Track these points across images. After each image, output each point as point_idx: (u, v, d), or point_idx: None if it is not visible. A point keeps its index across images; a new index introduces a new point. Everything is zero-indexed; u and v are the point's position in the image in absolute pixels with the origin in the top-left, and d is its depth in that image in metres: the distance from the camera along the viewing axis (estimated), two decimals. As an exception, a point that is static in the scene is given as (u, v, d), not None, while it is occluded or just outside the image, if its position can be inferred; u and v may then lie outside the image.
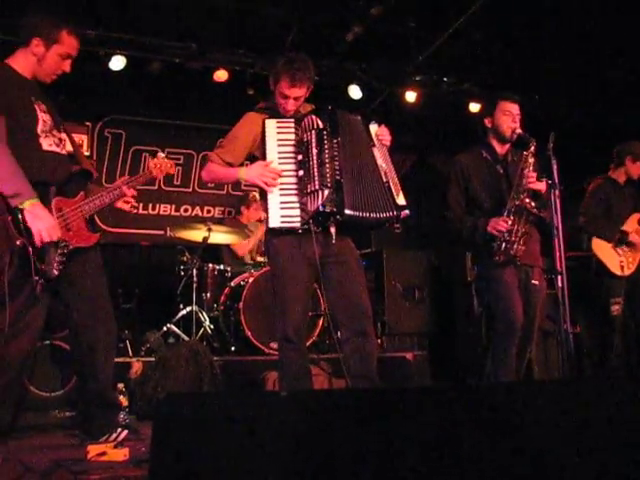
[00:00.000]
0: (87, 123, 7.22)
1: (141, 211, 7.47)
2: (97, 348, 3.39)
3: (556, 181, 3.67)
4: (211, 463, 1.57)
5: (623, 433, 1.88)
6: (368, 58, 6.98)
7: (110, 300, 3.53)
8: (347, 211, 3.26)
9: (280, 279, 3.46)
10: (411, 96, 7.38)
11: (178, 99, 7.24)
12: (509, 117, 4.17)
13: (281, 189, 3.39)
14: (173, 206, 7.70)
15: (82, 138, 7.00)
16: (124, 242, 7.21)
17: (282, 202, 3.36)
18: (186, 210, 7.78)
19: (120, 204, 3.56)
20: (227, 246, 6.54)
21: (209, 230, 5.91)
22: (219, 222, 6.53)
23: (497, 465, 1.75)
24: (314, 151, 3.32)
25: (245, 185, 7.85)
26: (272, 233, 3.46)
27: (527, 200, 3.96)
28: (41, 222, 3.07)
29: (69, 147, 3.48)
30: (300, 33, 6.28)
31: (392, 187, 3.44)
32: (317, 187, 3.26)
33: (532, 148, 4.00)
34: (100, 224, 6.46)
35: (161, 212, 7.64)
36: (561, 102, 7.37)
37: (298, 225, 3.34)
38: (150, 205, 7.55)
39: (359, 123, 3.57)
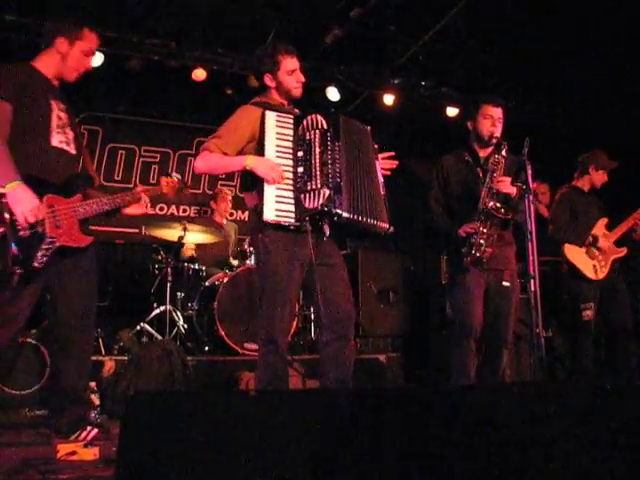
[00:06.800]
0: (63, 119, 7.14)
1: (116, 209, 7.41)
2: (73, 345, 3.39)
3: (530, 186, 3.69)
4: (179, 462, 1.56)
5: (593, 435, 1.91)
6: (347, 60, 7.00)
7: (95, 301, 3.54)
8: (345, 214, 3.24)
9: (271, 280, 3.33)
10: (389, 99, 7.41)
11: (156, 97, 7.21)
12: (489, 121, 4.17)
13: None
14: (148, 205, 7.62)
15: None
16: (99, 240, 7.11)
17: (277, 196, 3.26)
18: (162, 209, 7.74)
19: (130, 210, 3.74)
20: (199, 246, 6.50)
21: (184, 229, 5.89)
22: (194, 221, 6.50)
23: (466, 466, 1.76)
24: (317, 150, 3.28)
25: (222, 183, 7.95)
26: (262, 229, 3.34)
27: (491, 204, 3.94)
28: (22, 204, 3.04)
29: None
30: (279, 34, 6.29)
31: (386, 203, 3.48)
32: (318, 186, 3.21)
33: (503, 152, 3.99)
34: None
35: (136, 210, 7.57)
36: (539, 107, 7.44)
37: (293, 221, 3.25)
38: (125, 203, 7.48)
39: (367, 133, 3.60)
